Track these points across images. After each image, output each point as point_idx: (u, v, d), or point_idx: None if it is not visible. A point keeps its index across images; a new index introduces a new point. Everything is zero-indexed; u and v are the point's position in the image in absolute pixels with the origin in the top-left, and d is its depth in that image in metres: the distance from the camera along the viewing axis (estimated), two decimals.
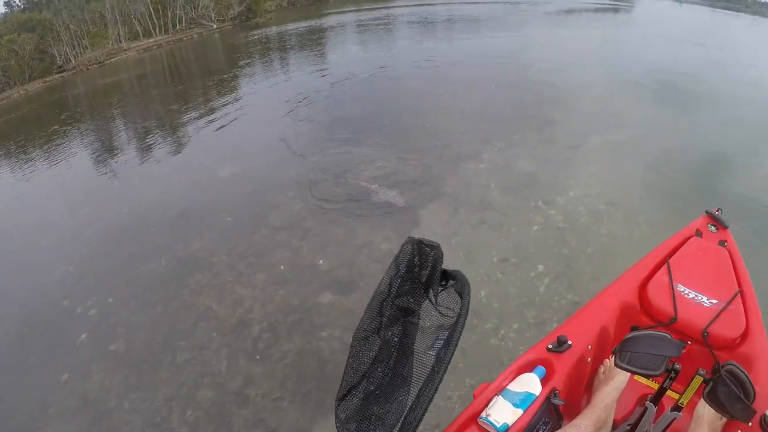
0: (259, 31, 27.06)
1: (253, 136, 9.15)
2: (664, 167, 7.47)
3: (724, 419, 1.82)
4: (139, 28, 25.89)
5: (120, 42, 23.61)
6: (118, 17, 24.40)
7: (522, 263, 4.96)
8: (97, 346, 4.28)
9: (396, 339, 1.64)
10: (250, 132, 9.37)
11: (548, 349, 2.11)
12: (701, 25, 42.64)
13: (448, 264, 1.96)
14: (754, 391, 1.61)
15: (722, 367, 1.67)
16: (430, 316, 1.76)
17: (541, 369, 2.00)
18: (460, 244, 5.35)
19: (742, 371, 1.65)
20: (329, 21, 30.78)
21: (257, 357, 3.96)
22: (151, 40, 25.59)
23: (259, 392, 3.68)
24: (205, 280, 4.94)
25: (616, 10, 49.82)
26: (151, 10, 26.43)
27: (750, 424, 1.73)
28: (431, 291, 1.77)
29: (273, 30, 27.35)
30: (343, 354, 3.88)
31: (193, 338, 4.19)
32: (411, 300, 1.71)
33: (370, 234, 5.58)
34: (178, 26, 28.63)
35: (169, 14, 27.87)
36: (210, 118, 10.41)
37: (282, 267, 5.05)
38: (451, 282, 1.84)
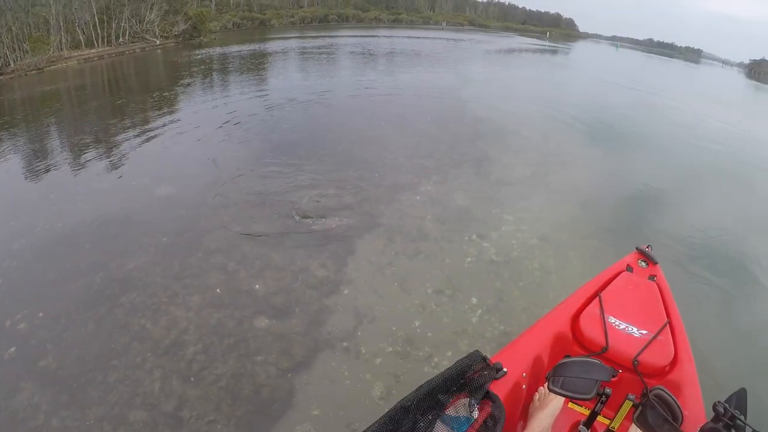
0: (202, 51, 26.80)
1: (191, 156, 9.07)
2: (595, 204, 8.01)
3: None
4: (81, 37, 25.14)
5: (61, 50, 22.79)
6: (62, 24, 23.66)
7: (456, 294, 5.19)
8: (25, 361, 4.13)
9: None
10: (188, 152, 9.28)
11: None
12: (636, 69, 45.15)
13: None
14: (681, 414, 1.75)
15: (650, 391, 1.80)
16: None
17: None
18: (396, 274, 5.53)
19: (669, 395, 1.78)
20: (273, 46, 30.96)
21: (192, 379, 3.94)
22: (93, 50, 24.80)
23: (194, 414, 3.66)
24: (139, 299, 4.87)
25: (554, 52, 52.28)
26: (96, 20, 25.76)
27: None
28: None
29: (216, 51, 27.16)
30: (278, 378, 3.97)
31: (126, 357, 4.12)
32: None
33: (307, 260, 5.67)
34: (121, 39, 27.91)
35: (114, 26, 27.23)
36: (149, 135, 10.24)
37: (218, 290, 5.05)
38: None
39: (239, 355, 4.18)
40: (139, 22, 29.78)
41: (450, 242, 6.32)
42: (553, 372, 1.86)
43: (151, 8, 30.36)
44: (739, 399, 1.87)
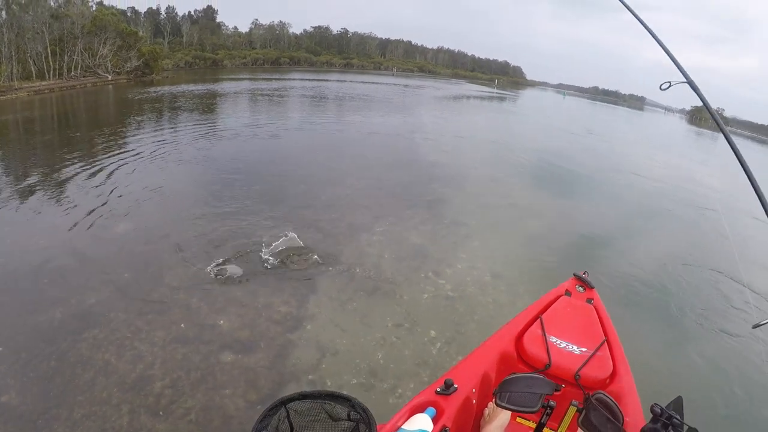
0: (154, 89, 26.70)
1: (148, 193, 9.05)
2: (541, 240, 8.58)
3: None
4: (33, 69, 24.69)
5: (12, 80, 22.35)
6: (13, 53, 23.20)
7: (415, 328, 5.42)
8: None
9: None
10: (145, 189, 9.24)
11: (437, 392, 2.27)
12: (581, 116, 47.27)
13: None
14: (621, 413, 1.91)
15: (592, 396, 1.98)
16: None
17: (432, 409, 2.15)
18: (356, 309, 5.72)
19: (610, 399, 1.95)
20: (225, 87, 31.18)
21: (160, 413, 3.95)
22: (44, 82, 24.35)
23: None
24: (102, 335, 4.83)
25: (502, 99, 54.18)
26: (49, 51, 25.40)
27: None
28: None
29: (169, 89, 27.12)
30: (247, 410, 4.05)
31: (91, 393, 4.09)
32: None
33: (270, 297, 5.78)
34: (73, 72, 27.60)
35: (66, 59, 26.90)
36: (104, 171, 10.15)
37: (182, 325, 5.07)
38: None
39: (207, 389, 4.22)
40: (92, 56, 29.56)
41: (407, 279, 6.57)
42: (499, 388, 2.01)
43: (105, 43, 30.22)
44: (677, 405, 2.06)
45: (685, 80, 2.94)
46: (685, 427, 1.82)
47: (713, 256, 9.17)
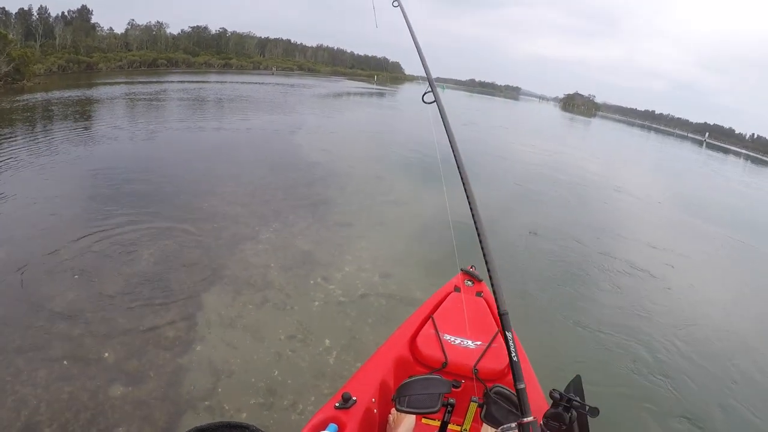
0: (25, 96, 24.35)
1: (18, 215, 8.25)
2: (425, 236, 8.90)
3: None
4: None
5: None
6: None
7: (308, 338, 5.46)
8: None
9: None
10: (14, 211, 8.42)
11: (336, 407, 2.23)
12: (461, 107, 49.14)
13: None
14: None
15: (491, 390, 2.04)
16: None
17: (333, 426, 2.11)
18: (247, 325, 5.64)
19: (508, 390, 2.00)
20: (101, 92, 29.13)
21: None
22: None
23: None
24: None
25: (381, 95, 55.03)
26: None
27: None
28: None
29: (40, 96, 24.86)
30: None
31: None
32: None
33: (155, 320, 5.55)
34: None
35: None
36: None
37: (65, 362, 4.71)
38: None
39: (99, 430, 3.99)
40: None
41: (296, 288, 6.58)
42: (397, 393, 2.04)
43: None
44: (576, 384, 2.22)
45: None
46: (587, 407, 1.88)
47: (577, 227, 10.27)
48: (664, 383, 5.64)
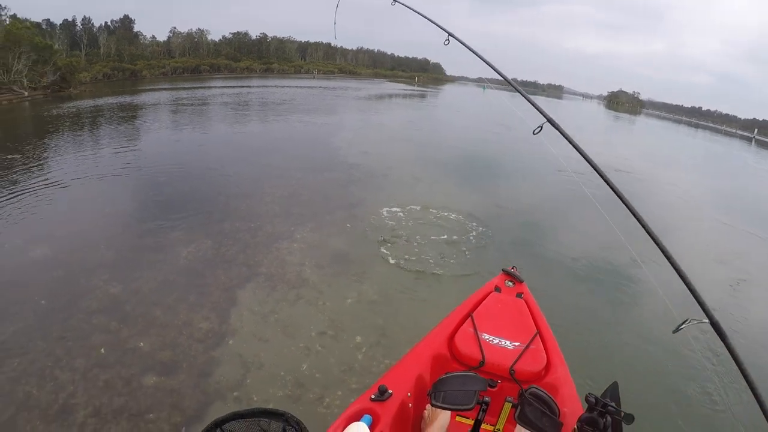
0: (72, 104, 25.19)
1: (64, 215, 8.61)
2: (465, 236, 8.74)
3: None
4: None
5: None
6: None
7: (339, 335, 5.47)
8: None
9: None
10: (61, 211, 8.79)
11: (372, 399, 2.26)
12: (502, 107, 48.68)
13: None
14: (558, 407, 1.90)
15: (526, 391, 1.95)
16: None
17: (368, 417, 2.14)
18: (279, 320, 5.69)
19: (544, 392, 1.94)
20: (145, 98, 29.99)
21: None
22: None
23: None
24: (21, 366, 4.58)
25: (422, 96, 54.94)
26: None
27: None
28: None
29: (86, 103, 25.72)
30: None
31: (14, 429, 3.89)
32: None
33: (190, 314, 5.67)
34: None
35: None
36: (17, 194, 9.70)
37: (102, 350, 4.88)
38: None
39: (131, 415, 4.10)
40: (6, 72, 27.86)
41: (330, 286, 6.60)
42: (433, 388, 2.00)
43: (19, 57, 28.55)
44: (613, 391, 2.15)
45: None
46: (622, 414, 1.87)
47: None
48: (710, 402, 5.18)
